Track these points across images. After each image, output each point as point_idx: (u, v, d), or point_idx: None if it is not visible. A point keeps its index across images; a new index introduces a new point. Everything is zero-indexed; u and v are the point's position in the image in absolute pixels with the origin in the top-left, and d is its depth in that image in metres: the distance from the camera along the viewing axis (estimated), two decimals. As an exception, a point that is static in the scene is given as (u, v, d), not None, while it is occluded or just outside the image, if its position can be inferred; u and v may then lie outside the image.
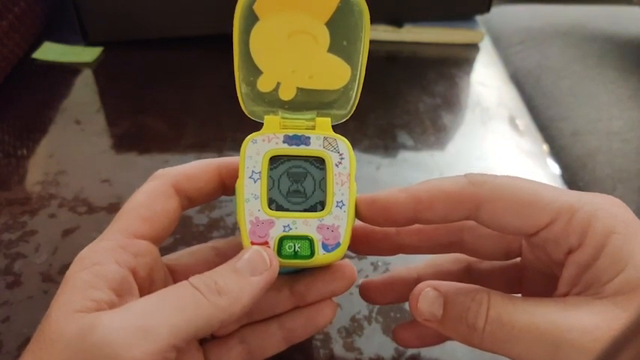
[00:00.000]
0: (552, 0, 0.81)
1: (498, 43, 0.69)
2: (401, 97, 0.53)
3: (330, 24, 0.24)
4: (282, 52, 0.25)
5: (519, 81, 0.63)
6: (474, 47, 0.62)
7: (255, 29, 0.24)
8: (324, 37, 0.25)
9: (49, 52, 0.56)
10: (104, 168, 0.43)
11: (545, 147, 0.50)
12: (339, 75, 0.25)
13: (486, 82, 0.57)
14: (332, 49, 0.25)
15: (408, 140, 0.48)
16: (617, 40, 0.66)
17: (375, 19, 0.66)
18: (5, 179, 0.42)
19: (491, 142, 0.49)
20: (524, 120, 0.52)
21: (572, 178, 0.50)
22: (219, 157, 0.44)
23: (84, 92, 0.52)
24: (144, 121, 0.48)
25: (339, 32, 0.24)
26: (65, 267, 0.28)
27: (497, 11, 0.72)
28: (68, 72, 0.54)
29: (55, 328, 0.20)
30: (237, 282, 0.22)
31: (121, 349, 0.19)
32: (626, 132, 0.53)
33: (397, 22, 0.61)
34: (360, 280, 0.30)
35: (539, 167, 0.47)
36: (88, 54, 0.56)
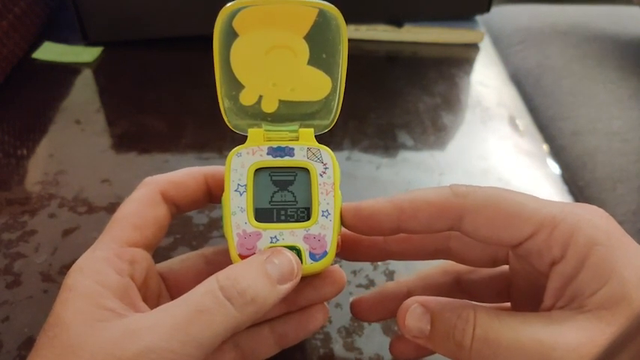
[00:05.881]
0: (552, 0, 0.81)
1: (498, 43, 0.69)
2: (401, 97, 0.53)
3: (309, 38, 0.25)
4: (263, 66, 0.25)
5: (519, 81, 0.63)
6: (474, 47, 0.62)
7: (235, 45, 0.25)
8: (304, 50, 0.25)
9: (49, 52, 0.56)
10: (104, 168, 0.43)
11: (545, 147, 0.50)
12: (320, 87, 0.26)
13: (486, 82, 0.57)
14: (311, 61, 0.25)
15: (408, 140, 0.48)
16: (617, 40, 0.66)
17: (375, 19, 0.67)
18: (5, 179, 0.42)
19: (491, 142, 0.49)
20: (524, 120, 0.52)
21: (572, 178, 0.50)
22: (218, 156, 0.44)
23: (84, 92, 0.52)
24: (144, 120, 0.48)
25: (318, 45, 0.25)
26: (65, 267, 0.28)
27: (497, 11, 0.72)
28: (68, 72, 0.54)
29: (77, 337, 0.20)
30: (265, 288, 0.22)
31: (166, 355, 0.20)
32: (626, 132, 0.53)
33: (397, 22, 0.61)
34: (351, 299, 0.30)
35: (539, 167, 0.47)
36: (88, 54, 0.56)
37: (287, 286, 0.23)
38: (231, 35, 0.24)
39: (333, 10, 0.24)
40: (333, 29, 0.24)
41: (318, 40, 0.25)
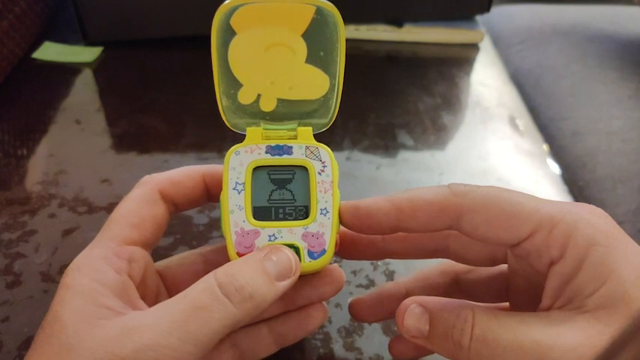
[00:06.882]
0: (552, 0, 0.81)
1: (498, 43, 0.69)
2: (401, 97, 0.53)
3: (307, 36, 0.25)
4: (261, 64, 0.25)
5: (519, 81, 0.63)
6: (474, 47, 0.62)
7: (233, 43, 0.24)
8: (301, 48, 0.25)
9: (49, 52, 0.56)
10: (104, 168, 0.43)
11: (545, 147, 0.50)
12: (318, 85, 0.26)
13: (486, 82, 0.57)
14: (309, 60, 0.25)
15: (408, 140, 0.48)
16: (617, 40, 0.66)
17: (375, 19, 0.67)
18: (5, 179, 0.42)
19: (492, 142, 0.49)
20: (524, 120, 0.52)
21: (572, 178, 0.50)
22: (218, 156, 0.44)
23: (84, 92, 0.52)
24: (144, 120, 0.48)
25: (316, 43, 0.25)
26: (65, 267, 0.28)
27: (497, 11, 0.72)
28: (68, 72, 0.54)
29: (75, 335, 0.20)
30: (263, 284, 0.22)
31: (165, 352, 0.20)
32: (626, 132, 0.53)
33: (397, 22, 0.61)
34: (350, 299, 0.30)
35: (539, 167, 0.47)
36: (88, 54, 0.56)
37: (285, 283, 0.23)
38: (228, 33, 0.24)
39: (331, 8, 0.24)
40: (331, 27, 0.24)
41: (316, 37, 0.25)
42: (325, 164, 0.26)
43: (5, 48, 0.51)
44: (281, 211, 0.25)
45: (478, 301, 0.26)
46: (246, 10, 0.24)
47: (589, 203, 0.24)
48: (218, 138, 0.46)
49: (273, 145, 0.26)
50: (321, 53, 0.25)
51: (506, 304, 0.28)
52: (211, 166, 0.28)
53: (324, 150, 0.26)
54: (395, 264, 0.36)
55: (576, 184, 0.50)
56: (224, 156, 0.26)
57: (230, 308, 0.21)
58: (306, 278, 0.27)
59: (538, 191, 0.44)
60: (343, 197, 0.26)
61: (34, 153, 0.45)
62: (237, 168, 0.25)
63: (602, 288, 0.21)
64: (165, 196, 0.26)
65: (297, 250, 0.25)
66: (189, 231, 0.38)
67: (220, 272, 0.22)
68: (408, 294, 0.29)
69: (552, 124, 0.56)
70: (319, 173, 0.26)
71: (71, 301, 0.22)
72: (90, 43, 0.57)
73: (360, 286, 0.35)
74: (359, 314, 0.30)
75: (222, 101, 0.26)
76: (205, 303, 0.21)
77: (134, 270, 0.24)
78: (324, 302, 0.28)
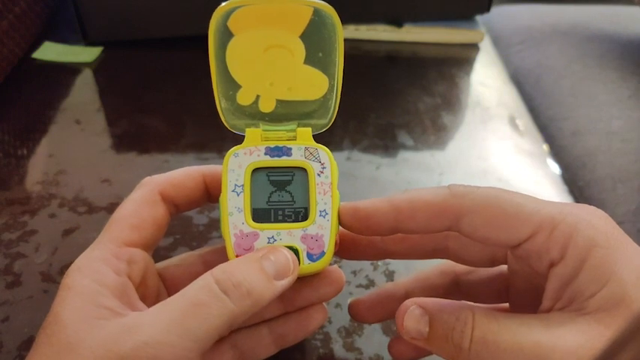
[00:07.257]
0: (552, 0, 0.81)
1: (498, 43, 0.69)
2: (401, 97, 0.53)
3: (305, 37, 0.25)
4: (260, 65, 0.25)
5: (519, 81, 0.63)
6: (474, 47, 0.62)
7: (231, 45, 0.25)
8: (300, 49, 0.25)
9: (49, 52, 0.56)
10: (104, 168, 0.43)
11: (545, 147, 0.50)
12: (317, 86, 0.26)
13: (486, 82, 0.57)
14: (308, 60, 0.25)
15: (408, 140, 0.48)
16: (617, 40, 0.66)
17: (375, 19, 0.67)
18: (5, 179, 0.42)
19: (492, 142, 0.49)
20: (524, 120, 0.52)
21: (572, 178, 0.50)
22: (218, 157, 0.44)
23: (84, 92, 0.52)
24: (144, 120, 0.48)
25: (314, 44, 0.25)
26: (65, 267, 0.28)
27: (497, 11, 0.72)
28: (68, 72, 0.54)
29: (75, 335, 0.21)
30: (261, 282, 0.22)
31: (164, 348, 0.20)
32: (626, 132, 0.53)
33: (397, 22, 0.61)
34: (349, 300, 0.30)
35: (539, 167, 0.47)
36: (87, 54, 0.56)
37: (284, 283, 0.23)
38: (226, 35, 0.24)
39: (328, 9, 0.24)
40: (329, 28, 0.25)
41: (314, 38, 0.25)
42: (324, 165, 0.26)
43: (5, 48, 0.51)
44: (280, 213, 0.25)
45: (478, 302, 0.26)
46: (244, 12, 0.24)
47: (589, 203, 0.24)
48: (218, 138, 0.46)
49: (272, 146, 0.26)
50: (320, 54, 0.25)
51: (506, 305, 0.28)
52: (211, 166, 0.28)
53: (324, 151, 0.26)
54: (395, 264, 0.36)
55: (576, 184, 0.50)
56: (224, 156, 0.26)
57: (228, 304, 0.21)
58: (305, 279, 0.27)
59: (538, 191, 0.44)
60: (343, 197, 0.26)
61: (34, 153, 0.45)
62: (236, 170, 0.25)
63: (602, 290, 0.21)
64: (165, 197, 0.26)
65: (296, 252, 0.25)
66: (189, 231, 0.38)
67: (218, 270, 0.22)
68: (407, 294, 0.29)
69: (552, 124, 0.56)
70: (318, 175, 0.26)
71: (72, 302, 0.22)
72: (90, 43, 0.57)
73: (360, 286, 0.35)
74: (359, 315, 0.30)
75: (220, 102, 0.26)
76: (203, 300, 0.21)
77: (134, 271, 0.24)
78: (324, 303, 0.28)
